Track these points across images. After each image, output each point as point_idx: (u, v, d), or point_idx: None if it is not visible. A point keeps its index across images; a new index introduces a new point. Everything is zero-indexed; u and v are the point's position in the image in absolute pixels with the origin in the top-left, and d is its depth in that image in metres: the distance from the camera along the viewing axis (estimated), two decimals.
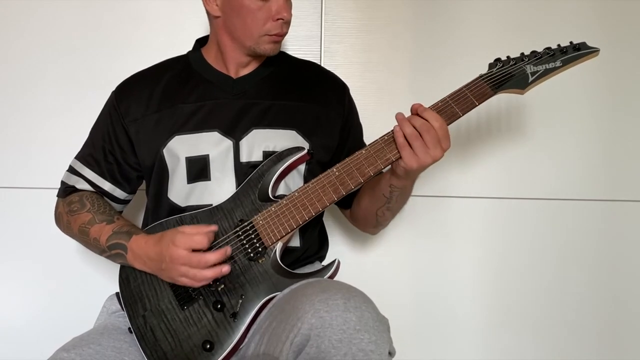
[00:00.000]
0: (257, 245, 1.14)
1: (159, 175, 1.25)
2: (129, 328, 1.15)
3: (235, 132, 1.23)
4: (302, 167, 1.25)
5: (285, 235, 1.13)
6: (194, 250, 1.07)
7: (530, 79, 1.15)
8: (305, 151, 1.21)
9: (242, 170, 1.22)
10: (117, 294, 1.23)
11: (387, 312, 1.03)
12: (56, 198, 1.32)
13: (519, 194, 1.65)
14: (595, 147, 1.65)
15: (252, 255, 1.13)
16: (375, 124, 1.36)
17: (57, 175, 1.31)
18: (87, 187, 1.27)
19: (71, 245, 1.29)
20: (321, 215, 1.28)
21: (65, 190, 1.29)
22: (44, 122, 1.62)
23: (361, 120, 1.40)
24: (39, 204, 1.58)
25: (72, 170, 1.30)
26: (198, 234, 1.08)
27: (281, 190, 1.22)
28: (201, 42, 1.34)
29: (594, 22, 1.63)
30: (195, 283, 1.09)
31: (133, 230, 1.18)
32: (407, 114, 1.12)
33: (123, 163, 1.28)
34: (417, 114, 1.10)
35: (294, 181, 1.25)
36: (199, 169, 1.22)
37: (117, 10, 1.61)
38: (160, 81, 1.28)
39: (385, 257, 1.67)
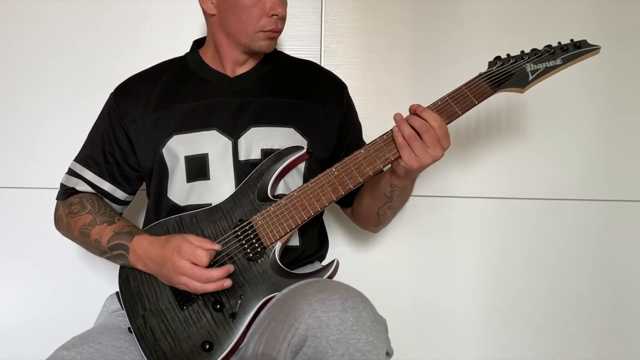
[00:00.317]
0: (256, 245, 1.13)
1: (159, 175, 1.26)
2: (129, 328, 1.15)
3: (233, 130, 1.23)
4: (301, 166, 1.25)
5: (284, 235, 1.13)
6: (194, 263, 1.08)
7: (530, 77, 1.15)
8: (305, 150, 1.20)
9: (241, 169, 1.22)
10: (117, 293, 1.23)
11: (387, 311, 1.03)
12: (55, 200, 1.31)
13: (519, 194, 1.65)
14: (595, 147, 1.65)
15: (251, 255, 1.13)
16: (375, 124, 1.36)
17: (57, 175, 1.31)
18: (87, 188, 1.27)
19: (71, 245, 1.29)
20: (321, 214, 1.28)
21: (65, 193, 1.29)
22: (44, 122, 1.62)
23: (361, 120, 1.40)
24: (39, 204, 1.58)
25: (71, 172, 1.29)
26: (200, 249, 1.07)
27: (280, 189, 1.22)
28: (199, 44, 1.34)
29: (594, 22, 1.62)
30: (194, 293, 1.10)
31: (135, 230, 1.18)
32: (406, 114, 1.12)
33: (123, 163, 1.28)
34: (416, 114, 1.10)
35: (293, 180, 1.25)
36: (198, 168, 1.22)
37: (117, 10, 1.62)
38: (159, 81, 1.29)
39: (386, 257, 1.67)
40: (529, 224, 1.66)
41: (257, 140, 1.23)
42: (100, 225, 1.20)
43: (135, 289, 1.17)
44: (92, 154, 1.29)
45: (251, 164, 1.21)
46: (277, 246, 1.14)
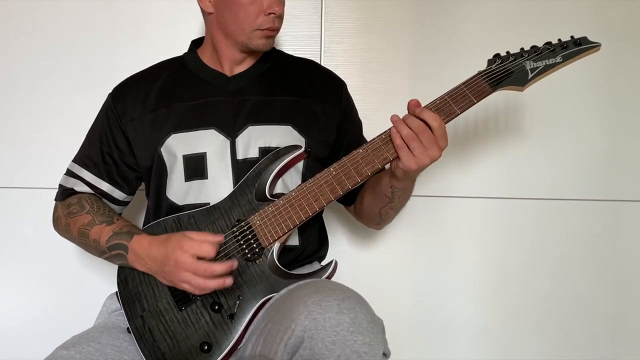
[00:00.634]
0: (254, 245, 1.13)
1: (158, 174, 1.26)
2: (128, 328, 1.15)
3: (231, 129, 1.23)
4: (300, 165, 1.25)
5: (283, 235, 1.13)
6: (199, 258, 1.06)
7: (530, 75, 1.13)
8: (303, 149, 1.20)
9: (239, 168, 1.21)
10: (117, 292, 1.22)
11: (387, 311, 1.03)
12: (54, 202, 1.31)
13: (519, 194, 1.65)
14: (595, 147, 1.64)
15: (249, 255, 1.13)
16: (375, 124, 1.35)
17: (57, 175, 1.31)
18: (85, 189, 1.27)
19: (71, 245, 1.29)
20: (320, 213, 1.28)
21: (64, 193, 1.29)
22: (44, 122, 1.62)
23: (361, 120, 1.40)
24: (39, 204, 1.58)
25: (69, 173, 1.29)
26: (207, 243, 1.06)
27: (279, 188, 1.22)
28: (197, 43, 1.34)
29: (593, 21, 1.62)
30: (196, 291, 1.08)
31: (134, 230, 1.18)
32: (406, 113, 1.12)
33: (121, 164, 1.28)
34: (415, 115, 1.09)
35: (292, 179, 1.24)
36: (196, 167, 1.22)
37: (116, 10, 1.62)
38: (157, 81, 1.29)
39: (386, 257, 1.67)
40: (529, 224, 1.66)
41: (254, 139, 1.23)
42: (99, 225, 1.20)
43: (133, 289, 1.17)
44: (90, 155, 1.28)
45: (249, 162, 1.21)
46: (275, 247, 1.14)
